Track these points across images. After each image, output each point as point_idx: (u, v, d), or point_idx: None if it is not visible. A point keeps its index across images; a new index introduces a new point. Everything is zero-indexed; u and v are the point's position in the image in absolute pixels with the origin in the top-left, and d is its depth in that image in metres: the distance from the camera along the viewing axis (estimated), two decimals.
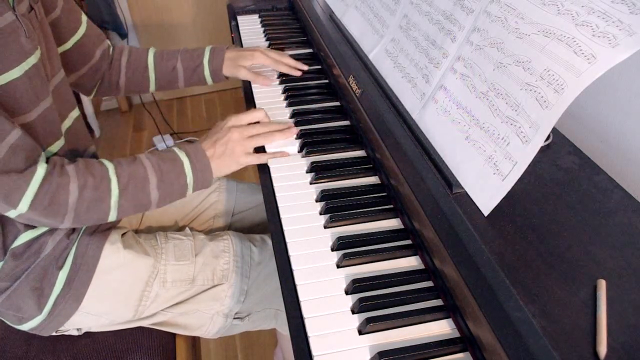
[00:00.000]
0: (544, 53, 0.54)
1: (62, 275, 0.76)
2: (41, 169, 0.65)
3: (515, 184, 0.54)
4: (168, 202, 0.77)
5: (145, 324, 0.86)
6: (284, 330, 1.01)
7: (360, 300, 0.58)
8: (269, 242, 0.92)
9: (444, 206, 0.58)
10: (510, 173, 0.55)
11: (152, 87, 1.02)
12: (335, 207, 0.72)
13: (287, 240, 0.68)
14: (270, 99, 1.00)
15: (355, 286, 0.60)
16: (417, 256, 0.66)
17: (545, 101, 0.52)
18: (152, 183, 0.74)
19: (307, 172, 0.80)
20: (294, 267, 0.64)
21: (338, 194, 0.74)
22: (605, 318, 0.47)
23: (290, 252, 0.66)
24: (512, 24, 0.59)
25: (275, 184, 0.78)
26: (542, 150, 0.68)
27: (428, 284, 0.62)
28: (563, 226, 0.57)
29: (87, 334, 0.87)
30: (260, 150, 0.85)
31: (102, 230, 0.81)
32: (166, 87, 1.03)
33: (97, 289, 0.79)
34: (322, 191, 0.74)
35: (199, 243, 0.87)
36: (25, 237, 0.74)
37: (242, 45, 1.23)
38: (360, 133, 0.86)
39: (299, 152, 0.85)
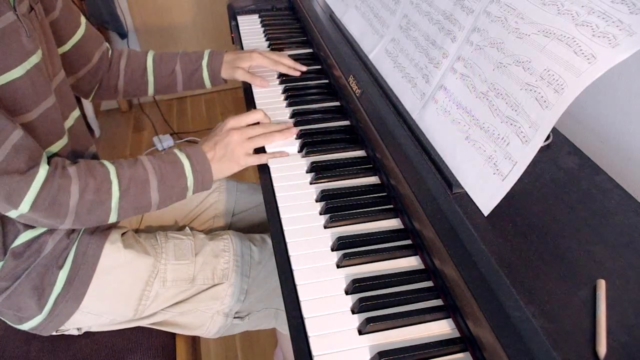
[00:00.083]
0: (544, 53, 0.54)
1: (63, 275, 0.76)
2: (43, 170, 0.65)
3: (515, 184, 0.54)
4: (168, 204, 0.77)
5: (145, 323, 0.86)
6: (284, 330, 1.01)
7: (360, 300, 0.58)
8: (269, 241, 0.92)
9: (444, 206, 0.58)
10: (510, 173, 0.55)
11: (151, 90, 1.02)
12: (335, 207, 0.72)
13: (287, 240, 0.68)
14: (270, 99, 1.00)
15: (355, 286, 0.60)
16: (417, 256, 0.66)
17: (545, 101, 0.52)
18: (153, 185, 0.74)
19: (307, 172, 0.81)
20: (294, 267, 0.64)
21: (338, 194, 0.74)
22: (605, 318, 0.47)
23: (290, 252, 0.66)
24: (512, 24, 0.59)
25: (275, 184, 0.78)
26: (542, 150, 0.68)
27: (428, 284, 0.62)
28: (563, 226, 0.57)
29: (87, 334, 0.87)
30: (260, 150, 0.85)
31: (103, 230, 0.81)
32: (164, 90, 1.03)
33: (97, 288, 0.79)
34: (322, 191, 0.74)
35: (199, 242, 0.87)
36: (25, 236, 0.74)
37: (242, 45, 1.23)
38: (360, 133, 0.86)
39: (299, 152, 0.85)
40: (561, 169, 0.66)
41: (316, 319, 0.58)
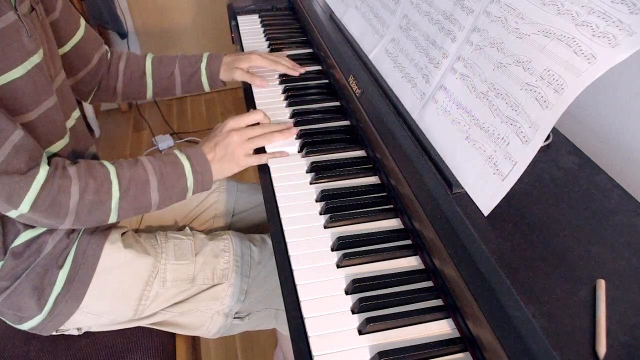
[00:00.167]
0: (544, 53, 0.54)
1: (63, 275, 0.76)
2: (43, 171, 0.65)
3: (515, 184, 0.54)
4: (168, 204, 0.78)
5: (145, 323, 0.86)
6: (284, 330, 1.01)
7: (360, 300, 0.58)
8: (269, 241, 0.92)
9: (444, 206, 0.58)
10: (510, 173, 0.55)
11: (150, 93, 1.02)
12: (335, 207, 0.72)
13: (287, 240, 0.68)
14: (270, 99, 1.00)
15: (355, 286, 0.60)
16: (417, 256, 0.66)
17: (545, 101, 0.52)
18: (153, 186, 0.74)
19: (307, 172, 0.81)
20: (294, 267, 0.64)
21: (338, 194, 0.74)
22: (604, 318, 0.47)
23: (290, 252, 0.66)
24: (512, 24, 0.59)
25: (275, 184, 0.78)
26: (542, 150, 0.68)
27: (428, 284, 0.62)
28: (563, 226, 0.57)
29: (87, 334, 0.87)
30: (260, 151, 0.85)
31: (102, 230, 0.81)
32: (163, 93, 1.03)
33: (97, 288, 0.79)
34: (322, 191, 0.74)
35: (199, 242, 0.87)
36: (25, 236, 0.74)
37: (242, 45, 1.23)
38: (360, 133, 0.86)
39: (299, 152, 0.85)
40: (561, 169, 0.66)
41: (316, 319, 0.58)
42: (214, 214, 1.03)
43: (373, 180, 0.79)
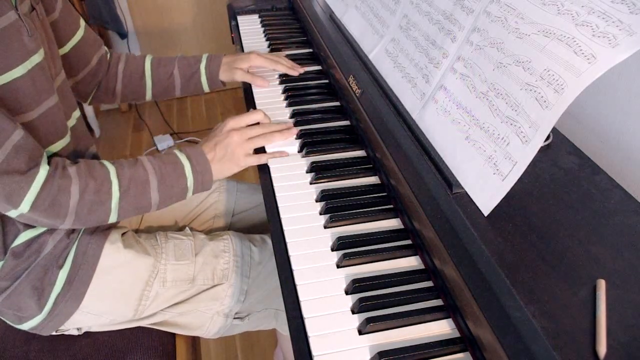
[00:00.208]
0: (544, 53, 0.54)
1: (63, 275, 0.76)
2: (43, 170, 0.65)
3: (515, 184, 0.54)
4: (168, 204, 0.78)
5: (145, 323, 0.86)
6: (284, 330, 1.01)
7: (360, 300, 0.58)
8: (269, 242, 0.92)
9: (444, 206, 0.58)
10: (510, 173, 0.55)
11: (149, 94, 1.02)
12: (335, 207, 0.72)
13: (287, 240, 0.68)
14: (270, 99, 1.00)
15: (355, 286, 0.60)
16: (417, 256, 0.66)
17: (545, 101, 0.52)
18: (153, 185, 0.74)
19: (307, 172, 0.81)
20: (294, 267, 0.64)
21: (338, 194, 0.74)
22: (605, 318, 0.47)
23: (290, 252, 0.66)
24: (512, 24, 0.59)
25: (275, 184, 0.78)
26: (542, 150, 0.68)
27: (428, 284, 0.62)
28: (563, 226, 0.57)
29: (87, 334, 0.87)
30: (260, 150, 0.85)
31: (103, 230, 0.81)
32: (163, 94, 1.03)
33: (97, 288, 0.79)
34: (322, 191, 0.74)
35: (199, 243, 0.87)
36: (25, 236, 0.74)
37: (242, 45, 1.23)
38: (360, 133, 0.86)
39: (299, 152, 0.85)
40: (561, 169, 0.66)
41: (316, 319, 0.58)
42: (214, 214, 1.03)
43: (373, 180, 0.79)
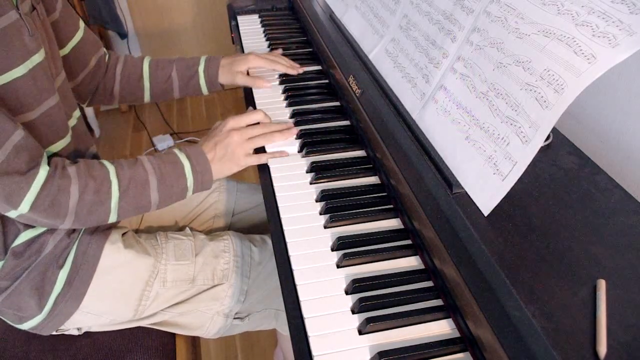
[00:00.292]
0: (544, 53, 0.54)
1: (63, 275, 0.76)
2: (43, 171, 0.65)
3: (515, 184, 0.54)
4: (168, 203, 0.78)
5: (145, 323, 0.86)
6: (284, 330, 1.01)
7: (360, 300, 0.58)
8: (269, 242, 0.92)
9: (444, 206, 0.58)
10: (510, 173, 0.55)
11: (147, 96, 1.02)
12: (335, 207, 0.72)
13: (287, 240, 0.68)
14: (270, 99, 1.00)
15: (355, 286, 0.60)
16: (417, 256, 0.66)
17: (545, 101, 0.52)
18: (153, 185, 0.74)
19: (307, 172, 0.81)
20: (294, 267, 0.64)
21: (338, 194, 0.74)
22: (605, 318, 0.47)
23: (290, 252, 0.66)
24: (512, 24, 0.59)
25: (275, 184, 0.78)
26: (542, 150, 0.68)
27: (428, 284, 0.62)
28: (563, 226, 0.57)
29: (87, 334, 0.87)
30: (260, 150, 0.85)
31: (103, 230, 0.81)
32: (161, 96, 1.02)
33: (97, 288, 0.79)
34: (322, 191, 0.74)
35: (199, 243, 0.87)
36: (25, 236, 0.74)
37: (242, 45, 1.23)
38: (360, 133, 0.86)
39: (299, 152, 0.85)
40: (561, 169, 0.66)
41: (316, 319, 0.58)
42: (213, 214, 1.03)
43: (373, 180, 0.79)
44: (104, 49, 0.97)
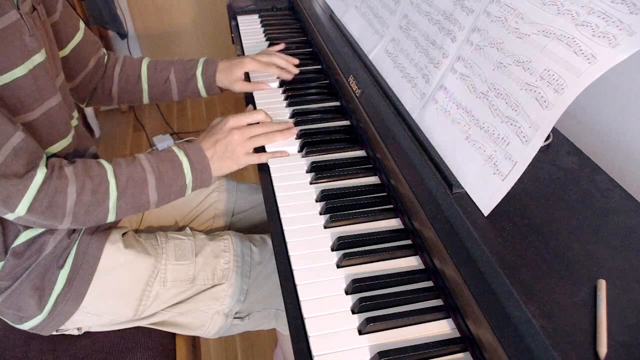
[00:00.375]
0: (544, 53, 0.54)
1: (63, 275, 0.76)
2: (40, 173, 0.65)
3: (515, 184, 0.54)
4: (167, 202, 0.77)
5: (145, 323, 0.86)
6: (284, 330, 1.01)
7: (360, 300, 0.58)
8: (269, 242, 0.92)
9: (444, 206, 0.58)
10: (510, 173, 0.55)
11: (146, 98, 1.01)
12: (335, 207, 0.72)
13: (287, 240, 0.68)
14: (270, 99, 1.00)
15: (355, 286, 0.60)
16: (417, 256, 0.66)
17: (545, 101, 0.52)
18: (151, 184, 0.74)
19: (307, 172, 0.81)
20: (294, 267, 0.64)
21: (338, 194, 0.74)
22: (605, 318, 0.47)
23: (290, 252, 0.66)
24: (512, 24, 0.59)
25: (275, 184, 0.78)
26: (542, 150, 0.68)
27: (428, 284, 0.62)
28: (563, 226, 0.57)
29: (87, 334, 0.87)
30: (259, 149, 0.85)
31: (103, 230, 0.81)
32: (160, 98, 1.02)
33: (97, 288, 0.79)
34: (322, 191, 0.74)
35: (199, 243, 0.87)
36: (25, 236, 0.74)
37: (242, 45, 1.23)
38: (360, 133, 0.86)
39: (299, 152, 0.85)
40: (561, 169, 0.66)
41: (316, 319, 0.58)
42: (213, 214, 1.03)
43: (373, 180, 0.79)
44: (104, 50, 0.97)
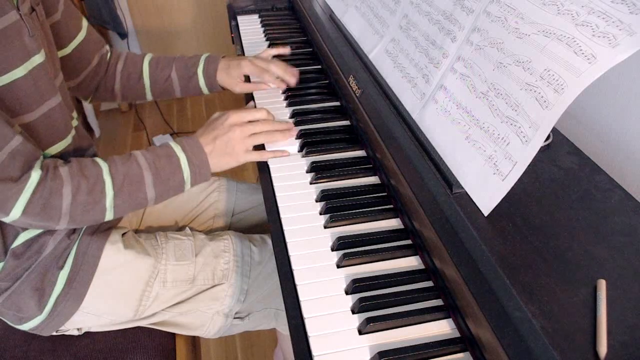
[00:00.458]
0: (544, 53, 0.54)
1: (63, 275, 0.76)
2: (35, 175, 0.64)
3: (515, 184, 0.54)
4: (165, 198, 0.77)
5: (145, 323, 0.86)
6: (284, 330, 1.01)
7: (360, 300, 0.58)
8: (269, 242, 0.92)
9: (444, 206, 0.58)
10: (510, 173, 0.55)
11: (149, 94, 1.01)
12: (335, 207, 0.72)
13: (287, 240, 0.68)
14: (270, 98, 1.00)
15: (355, 286, 0.60)
16: (417, 256, 0.66)
17: (545, 101, 0.52)
18: (148, 181, 0.73)
19: (307, 172, 0.81)
20: (294, 267, 0.64)
21: (338, 193, 0.74)
22: (605, 318, 0.47)
23: (290, 252, 0.66)
24: (512, 24, 0.59)
25: (275, 184, 0.78)
26: (542, 150, 0.68)
27: (428, 284, 0.62)
28: (563, 226, 0.57)
29: (87, 334, 0.87)
30: (259, 147, 0.84)
31: (103, 230, 0.81)
32: (162, 95, 1.02)
33: (97, 288, 0.79)
34: (322, 191, 0.74)
35: (199, 243, 0.87)
36: (24, 236, 0.74)
37: (242, 45, 1.23)
38: (360, 133, 0.86)
39: (299, 151, 0.85)
40: (561, 169, 0.66)
41: (316, 319, 0.58)
42: (213, 214, 1.03)
43: (373, 180, 0.79)
44: (107, 47, 0.97)
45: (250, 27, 1.31)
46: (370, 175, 0.80)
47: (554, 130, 0.72)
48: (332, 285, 0.62)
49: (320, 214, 0.72)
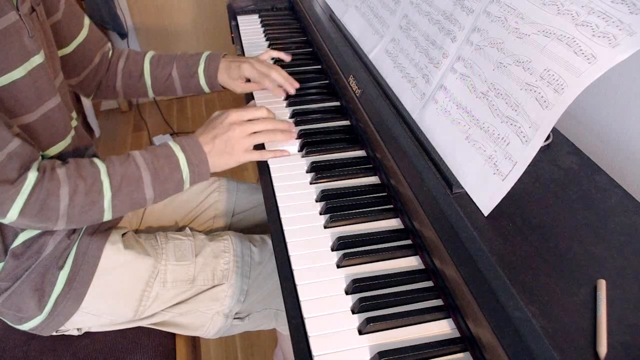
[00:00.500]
0: (544, 53, 0.54)
1: (63, 275, 0.76)
2: (32, 176, 0.64)
3: (515, 184, 0.54)
4: (164, 197, 0.76)
5: (145, 323, 0.86)
6: (284, 330, 1.01)
7: (360, 300, 0.58)
8: (269, 242, 0.92)
9: (444, 206, 0.58)
10: (510, 173, 0.55)
11: (150, 92, 1.01)
12: (335, 207, 0.72)
13: (287, 240, 0.68)
14: (270, 98, 1.00)
15: (355, 286, 0.60)
16: (417, 256, 0.66)
17: (545, 101, 0.52)
18: (146, 181, 0.73)
19: (307, 172, 0.81)
20: (294, 267, 0.64)
21: (338, 194, 0.74)
22: (605, 318, 0.47)
23: (290, 252, 0.66)
24: (512, 24, 0.59)
25: (275, 184, 0.78)
26: (542, 150, 0.68)
27: (428, 284, 0.62)
28: (563, 226, 0.57)
29: (87, 334, 0.87)
30: (259, 147, 0.84)
31: (103, 230, 0.81)
32: (164, 93, 1.02)
33: (97, 289, 0.79)
34: (322, 191, 0.74)
35: (199, 243, 0.87)
36: (24, 236, 0.74)
37: (242, 45, 1.23)
38: (360, 133, 0.86)
39: (299, 151, 0.85)
40: (561, 169, 0.66)
41: (316, 319, 0.58)
42: (213, 214, 1.03)
43: (373, 180, 0.79)
44: (109, 45, 0.97)
45: (250, 27, 1.31)
46: (370, 175, 0.80)
47: (554, 130, 0.72)
48: (332, 285, 0.62)
49: (320, 214, 0.72)
